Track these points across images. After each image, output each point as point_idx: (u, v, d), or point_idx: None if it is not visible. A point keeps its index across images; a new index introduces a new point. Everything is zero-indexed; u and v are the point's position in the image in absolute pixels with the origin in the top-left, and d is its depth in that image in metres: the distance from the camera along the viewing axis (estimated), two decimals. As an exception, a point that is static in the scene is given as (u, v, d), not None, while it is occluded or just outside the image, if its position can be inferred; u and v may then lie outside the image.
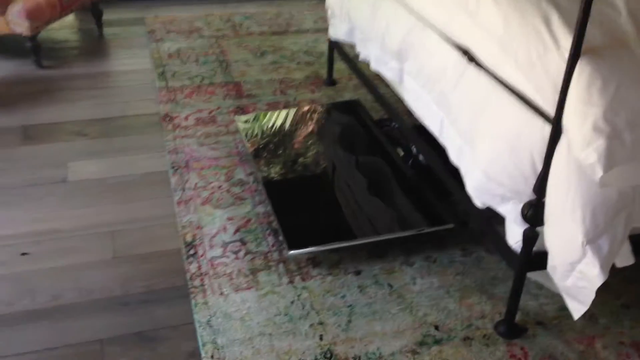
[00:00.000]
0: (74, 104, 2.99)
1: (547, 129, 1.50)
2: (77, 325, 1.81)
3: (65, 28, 3.88)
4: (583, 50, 1.40)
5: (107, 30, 3.83)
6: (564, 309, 1.88)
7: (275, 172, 2.38)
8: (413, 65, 2.11)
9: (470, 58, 1.77)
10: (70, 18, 3.95)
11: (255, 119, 2.76)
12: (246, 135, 2.62)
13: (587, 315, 1.88)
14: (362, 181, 2.32)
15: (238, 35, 3.81)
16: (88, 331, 1.79)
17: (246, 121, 2.73)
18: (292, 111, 2.82)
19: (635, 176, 1.43)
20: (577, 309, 1.56)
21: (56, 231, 2.17)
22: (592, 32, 1.43)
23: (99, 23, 3.76)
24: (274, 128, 2.67)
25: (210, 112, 2.93)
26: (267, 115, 2.78)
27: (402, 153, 2.45)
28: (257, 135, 2.62)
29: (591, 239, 1.45)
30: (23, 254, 2.06)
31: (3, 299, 1.88)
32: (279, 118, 2.75)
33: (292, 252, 1.99)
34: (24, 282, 1.95)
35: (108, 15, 3.91)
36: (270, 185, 2.30)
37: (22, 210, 2.26)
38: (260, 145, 2.53)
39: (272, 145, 2.54)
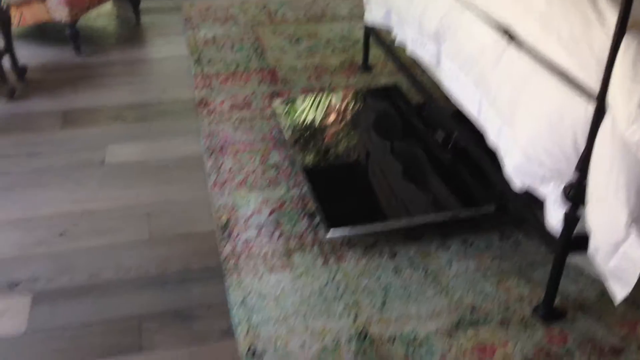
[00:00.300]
0: (112, 89, 3.02)
1: (590, 106, 1.46)
2: (115, 302, 1.83)
3: (103, 16, 3.93)
4: (629, 25, 1.35)
5: (144, 18, 3.86)
6: (604, 294, 1.84)
7: (312, 155, 2.37)
8: (451, 46, 2.08)
9: (511, 37, 1.73)
10: (108, 6, 4.00)
11: (293, 103, 2.76)
12: (284, 120, 2.62)
13: (630, 300, 1.83)
14: (399, 166, 2.30)
15: (273, 22, 3.81)
16: (125, 308, 1.81)
17: (284, 106, 2.73)
18: (330, 96, 2.81)
19: (683, 154, 1.38)
20: (620, 291, 1.52)
21: (94, 212, 2.20)
22: (638, 7, 1.38)
23: (137, 11, 3.80)
24: (311, 113, 2.66)
25: (245, 98, 2.93)
26: (305, 100, 2.77)
27: (442, 137, 2.42)
28: (294, 120, 2.61)
29: (636, 219, 1.41)
30: (62, 233, 2.10)
31: (43, 276, 1.92)
32: (316, 103, 2.75)
33: (331, 231, 1.97)
34: (63, 260, 1.98)
35: (145, 3, 3.94)
36: (308, 169, 2.29)
37: (62, 192, 2.30)
38: (298, 130, 2.53)
39: (310, 129, 2.53)
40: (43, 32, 3.63)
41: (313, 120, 2.60)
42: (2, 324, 1.75)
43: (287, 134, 2.51)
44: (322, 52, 3.43)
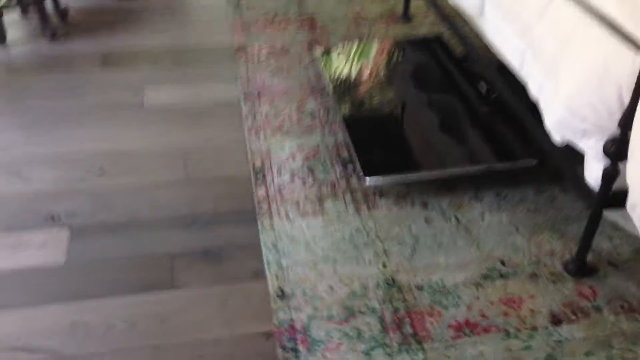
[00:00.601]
0: (151, 34, 3.03)
1: (638, 60, 1.41)
2: (149, 240, 1.88)
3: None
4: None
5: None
6: (638, 252, 1.81)
7: (350, 105, 2.35)
8: (495, -5, 2.02)
9: (559, -16, 1.68)
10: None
11: (334, 52, 2.73)
12: (324, 68, 2.60)
13: (665, 261, 1.80)
14: (437, 117, 2.27)
15: (315, -30, 3.74)
16: (159, 245, 1.86)
17: (324, 54, 2.71)
18: (370, 45, 2.78)
19: None
20: (655, 248, 1.49)
21: (132, 152, 2.24)
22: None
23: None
24: (351, 62, 2.64)
25: (283, 45, 2.92)
26: (346, 49, 2.74)
27: (484, 89, 2.38)
28: (335, 68, 2.59)
29: (677, 175, 1.37)
30: (101, 171, 2.14)
31: (84, 210, 1.97)
32: (357, 52, 2.72)
33: (368, 179, 1.98)
34: (101, 197, 2.03)
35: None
36: (346, 117, 2.28)
37: (102, 130, 2.34)
38: (338, 79, 2.51)
39: (349, 79, 2.51)
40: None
41: (353, 70, 2.58)
42: (43, 255, 1.81)
43: (326, 82, 2.50)
44: (363, 0, 3.37)
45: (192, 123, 2.39)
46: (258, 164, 2.17)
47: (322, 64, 2.63)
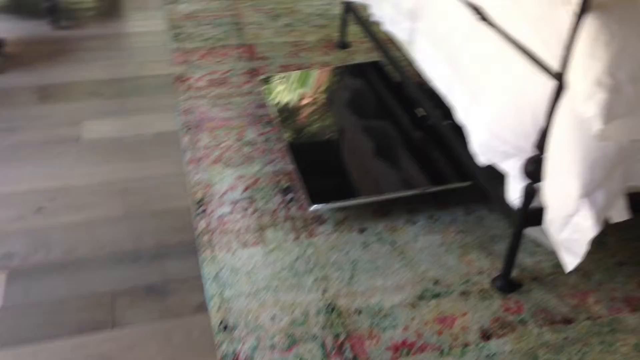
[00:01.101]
0: (90, 64, 3.03)
1: (551, 84, 1.51)
2: (89, 278, 1.88)
3: (81, -10, 3.91)
4: (590, 4, 1.40)
5: (123, -8, 3.85)
6: (559, 266, 1.92)
7: (294, 131, 2.41)
8: (425, 24, 2.11)
9: (481, 15, 1.77)
10: (86, -20, 3.97)
11: (276, 79, 2.79)
12: (267, 95, 2.66)
13: (582, 272, 1.92)
14: (373, 143, 2.34)
15: (252, -2, 3.81)
16: (100, 283, 1.86)
17: (266, 81, 2.77)
18: (312, 72, 2.85)
19: (634, 130, 1.43)
20: (571, 261, 1.59)
21: (70, 188, 2.23)
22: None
23: (115, -15, 3.78)
24: (293, 90, 2.70)
25: (223, 74, 2.96)
26: (287, 76, 2.80)
27: (421, 114, 2.46)
28: (277, 95, 2.65)
29: (587, 192, 1.47)
30: (39, 208, 2.13)
31: (20, 252, 1.95)
32: (297, 80, 2.78)
33: (313, 206, 2.04)
34: (39, 235, 2.02)
35: (123, -23, 3.92)
36: (291, 145, 2.34)
37: (38, 167, 2.32)
38: (281, 105, 2.57)
39: (292, 105, 2.57)
40: (20, 5, 3.61)
41: (294, 97, 2.64)
42: (-21, 298, 1.79)
43: (270, 110, 2.55)
44: (300, 28, 3.45)
45: (131, 156, 2.40)
46: (198, 195, 2.19)
47: (265, 91, 2.69)
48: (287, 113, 2.52)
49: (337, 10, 3.63)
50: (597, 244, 1.64)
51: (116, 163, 2.36)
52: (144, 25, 3.47)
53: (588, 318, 1.78)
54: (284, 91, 2.69)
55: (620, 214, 1.64)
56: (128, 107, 2.71)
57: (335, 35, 3.36)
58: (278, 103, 2.59)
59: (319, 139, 2.40)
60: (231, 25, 3.46)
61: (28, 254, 1.95)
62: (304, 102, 2.61)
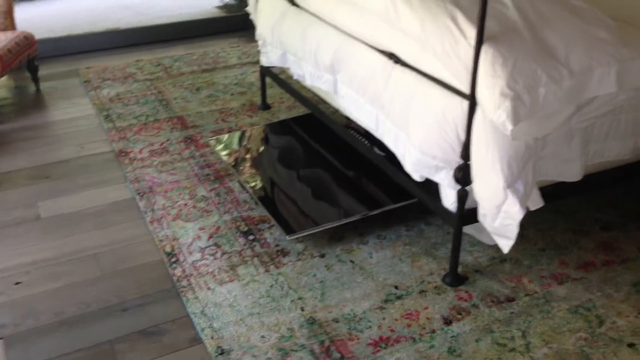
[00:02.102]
0: (30, 152, 3.16)
1: (464, 104, 1.88)
2: (84, 332, 2.02)
3: (1, 87, 4.03)
4: (485, 37, 1.79)
5: (43, 85, 4.00)
6: (494, 258, 2.28)
7: (252, 180, 2.74)
8: (346, 74, 2.47)
9: (396, 59, 2.15)
10: (3, 79, 4.09)
11: (221, 141, 3.11)
12: (219, 152, 2.99)
13: (513, 260, 2.28)
14: (320, 181, 2.66)
15: (171, 76, 4.08)
16: (96, 335, 2.00)
17: (217, 141, 3.10)
18: (255, 129, 3.21)
19: (535, 129, 1.83)
20: (506, 244, 1.94)
21: (43, 260, 2.36)
22: (489, 24, 1.82)
23: (35, 78, 3.94)
24: (242, 146, 3.05)
25: (161, 144, 3.18)
26: (235, 136, 3.16)
27: (347, 154, 2.82)
28: (227, 153, 2.98)
29: (510, 184, 1.83)
30: (17, 283, 2.24)
31: (9, 323, 2.06)
32: (243, 137, 3.14)
33: (289, 236, 2.34)
34: (24, 305, 2.13)
35: (42, 70, 4.08)
36: (256, 191, 2.65)
37: (5, 248, 2.43)
38: (234, 160, 2.91)
39: (244, 159, 2.91)
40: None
41: (243, 153, 2.98)
42: (-20, 368, 1.88)
43: (229, 163, 2.89)
44: (223, 97, 3.75)
45: (94, 225, 2.56)
46: (168, 249, 2.39)
47: (218, 151, 3.00)
48: (241, 166, 2.82)
49: (252, 77, 3.98)
50: (521, 236, 1.99)
51: (81, 233, 2.52)
52: (72, 112, 3.64)
53: (526, 295, 2.13)
54: (233, 148, 3.00)
55: (536, 202, 2.02)
56: (78, 184, 2.87)
57: (255, 99, 3.68)
58: (229, 159, 2.88)
59: (275, 184, 2.70)
60: (157, 102, 3.70)
61: (18, 323, 2.06)
62: (252, 155, 2.91)
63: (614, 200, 2.62)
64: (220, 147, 3.05)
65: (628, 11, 2.28)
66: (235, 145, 3.07)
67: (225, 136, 3.17)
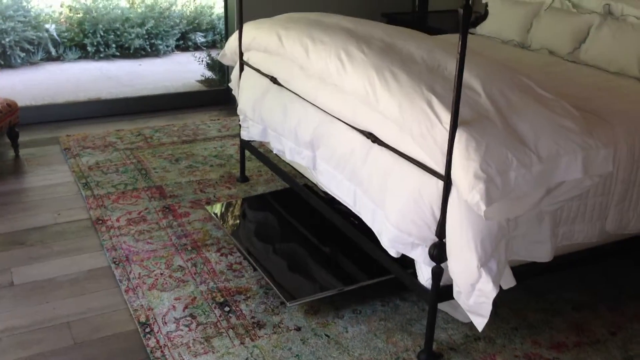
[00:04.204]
0: (5, 218, 3.15)
1: (440, 184, 1.97)
2: (54, 403, 1.97)
3: (-21, 152, 4.04)
4: (459, 123, 1.90)
5: (23, 151, 4.01)
6: (468, 336, 2.31)
7: (252, 247, 2.81)
8: (325, 151, 2.55)
9: (374, 139, 2.24)
10: (-18, 143, 4.11)
11: (217, 208, 3.24)
12: (219, 219, 3.09)
13: (487, 339, 2.32)
14: (304, 253, 2.73)
15: (151, 146, 4.14)
16: (65, 406, 1.96)
17: (216, 210, 3.20)
18: (243, 201, 3.31)
19: (507, 210, 1.91)
20: (480, 322, 1.98)
21: (14, 328, 2.33)
22: (463, 110, 1.93)
23: (15, 144, 3.96)
24: (230, 217, 3.17)
25: (139, 213, 3.20)
26: (223, 205, 3.26)
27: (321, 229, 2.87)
28: (229, 220, 3.11)
29: (483, 263, 1.89)
30: (-14, 350, 2.20)
31: (-24, 391, 2.01)
32: (230, 209, 3.25)
33: (288, 303, 2.37)
34: (-8, 374, 2.09)
35: (21, 137, 4.10)
36: (254, 257, 2.70)
37: (-24, 314, 2.40)
38: (234, 229, 3.02)
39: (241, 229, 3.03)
40: None
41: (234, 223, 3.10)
42: None
43: (228, 231, 2.97)
44: (202, 168, 3.81)
45: (68, 292, 2.55)
46: (142, 318, 2.38)
47: (217, 218, 3.10)
48: (244, 234, 2.92)
49: (231, 150, 4.05)
50: (494, 315, 2.04)
51: (55, 301, 2.49)
52: (50, 179, 3.65)
53: (498, 373, 2.16)
54: (231, 217, 3.11)
55: (508, 281, 2.09)
56: (54, 250, 2.86)
57: (233, 171, 3.75)
58: (231, 227, 3.01)
59: (261, 256, 2.75)
60: (136, 171, 3.74)
61: (-14, 392, 2.01)
62: (242, 227, 3.03)
63: (585, 281, 2.70)
64: (218, 214, 3.18)
65: (590, 102, 2.43)
66: (231, 215, 3.19)
67: (223, 204, 3.29)
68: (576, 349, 2.30)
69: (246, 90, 3.28)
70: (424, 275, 2.14)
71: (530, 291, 2.60)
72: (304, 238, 2.86)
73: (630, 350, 2.31)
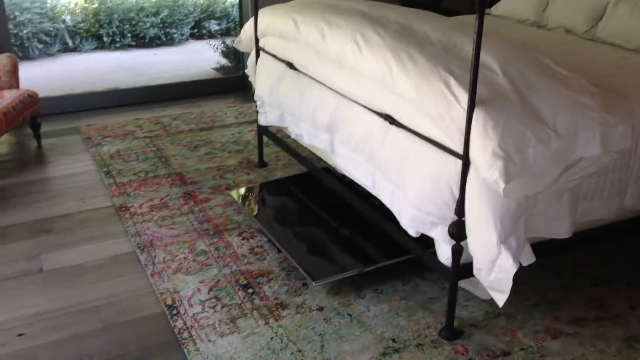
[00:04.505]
0: (32, 206, 3.22)
1: (458, 163, 1.99)
2: (87, 383, 2.04)
3: (3, 144, 4.12)
4: (476, 102, 1.92)
5: (45, 142, 4.08)
6: (489, 313, 2.34)
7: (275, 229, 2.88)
8: (343, 134, 2.58)
9: (392, 120, 2.27)
10: (5, 136, 4.18)
11: (243, 192, 3.31)
12: (241, 203, 3.17)
13: (507, 315, 2.35)
14: (324, 234, 2.78)
15: (170, 134, 4.20)
16: (98, 386, 2.03)
17: (237, 194, 3.27)
18: (262, 186, 3.37)
19: (526, 187, 1.93)
20: (501, 298, 2.01)
21: (45, 312, 2.40)
22: (480, 89, 1.95)
23: (37, 134, 4.03)
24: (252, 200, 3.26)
25: (161, 199, 3.26)
26: (243, 192, 3.33)
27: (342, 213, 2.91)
28: (250, 204, 3.19)
29: (503, 239, 1.92)
30: (20, 334, 2.27)
31: (11, 372, 2.09)
32: (253, 193, 3.33)
33: (315, 282, 2.44)
34: (26, 357, 2.16)
35: (43, 127, 4.17)
36: (279, 238, 2.76)
37: (8, 300, 2.47)
38: (256, 213, 3.08)
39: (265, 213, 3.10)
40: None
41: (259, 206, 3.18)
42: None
43: (253, 214, 3.04)
44: (220, 154, 3.85)
45: (95, 277, 2.61)
46: (169, 301, 2.43)
47: (238, 200, 3.17)
48: (265, 218, 2.98)
49: (248, 136, 4.10)
50: (514, 292, 2.06)
51: (83, 285, 2.56)
52: (73, 168, 3.72)
53: (521, 349, 2.19)
54: (251, 201, 3.21)
55: (528, 258, 2.11)
56: (80, 237, 2.93)
57: (252, 157, 3.79)
58: (253, 211, 3.07)
59: (284, 237, 2.80)
60: (156, 159, 3.80)
61: (21, 373, 2.08)
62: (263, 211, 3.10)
63: (603, 258, 2.72)
64: (240, 198, 3.25)
65: (608, 79, 2.44)
66: (252, 199, 3.28)
67: (244, 188, 3.36)
68: (596, 323, 2.32)
69: (262, 76, 3.31)
70: (444, 254, 2.17)
71: (549, 269, 2.62)
72: (323, 221, 2.90)
73: (650, 324, 2.33)
